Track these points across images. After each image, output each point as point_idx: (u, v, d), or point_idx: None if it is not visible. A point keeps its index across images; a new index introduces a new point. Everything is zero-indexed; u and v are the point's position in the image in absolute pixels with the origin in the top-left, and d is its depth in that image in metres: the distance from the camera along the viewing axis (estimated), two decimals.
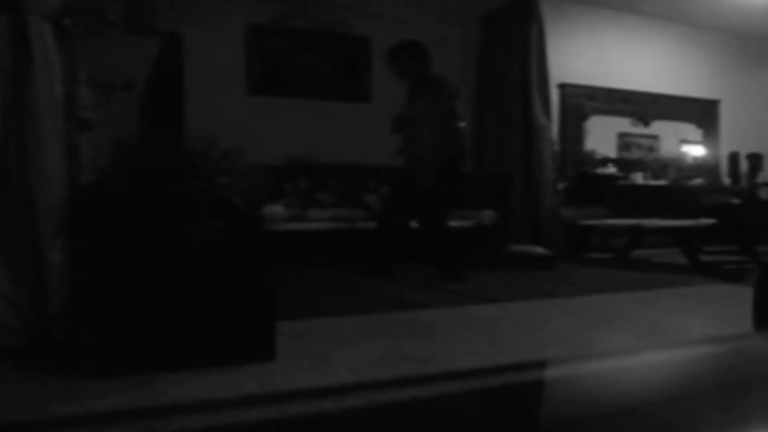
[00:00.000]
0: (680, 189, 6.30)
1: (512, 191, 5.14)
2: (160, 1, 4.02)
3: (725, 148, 6.99)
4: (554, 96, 5.66)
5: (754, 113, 7.10)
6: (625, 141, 6.74)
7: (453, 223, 4.61)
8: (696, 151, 7.04)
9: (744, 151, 6.81)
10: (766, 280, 2.23)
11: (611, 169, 6.23)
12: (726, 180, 6.90)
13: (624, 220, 5.05)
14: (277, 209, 4.14)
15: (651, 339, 2.29)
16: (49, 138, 1.99)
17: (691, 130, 7.02)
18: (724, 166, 7.01)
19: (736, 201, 5.63)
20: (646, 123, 6.73)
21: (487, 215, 4.72)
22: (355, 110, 5.31)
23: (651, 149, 6.83)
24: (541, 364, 1.96)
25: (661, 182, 6.44)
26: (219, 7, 4.80)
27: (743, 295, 2.36)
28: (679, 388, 1.78)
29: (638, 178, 6.39)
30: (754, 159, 6.74)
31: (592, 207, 5.44)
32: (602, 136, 6.46)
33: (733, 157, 6.85)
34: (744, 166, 6.80)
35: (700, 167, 6.90)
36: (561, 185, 5.41)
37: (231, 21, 4.90)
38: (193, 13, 4.54)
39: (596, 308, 2.90)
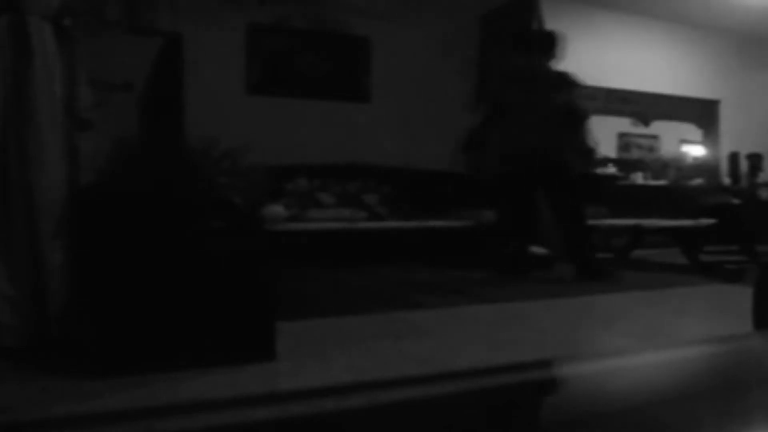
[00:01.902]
0: (680, 189, 6.30)
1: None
2: (160, 1, 4.02)
3: (725, 148, 6.99)
4: None
5: (754, 113, 7.10)
6: (625, 141, 6.74)
7: (453, 224, 4.62)
8: (696, 151, 7.04)
9: (744, 151, 6.81)
10: (766, 280, 2.23)
11: (611, 169, 6.23)
12: (726, 180, 6.91)
13: (624, 220, 5.05)
14: (277, 209, 4.14)
15: (651, 339, 2.29)
16: (49, 138, 1.99)
17: (691, 130, 7.02)
18: (724, 166, 7.01)
19: (736, 201, 5.63)
20: (646, 123, 6.73)
21: (487, 215, 4.72)
22: (355, 110, 5.31)
23: (651, 149, 6.83)
24: (541, 364, 1.96)
25: (661, 182, 6.45)
26: (219, 7, 4.80)
27: (743, 295, 2.36)
28: (679, 388, 1.78)
29: (638, 178, 6.39)
30: (754, 159, 6.73)
31: (592, 207, 5.43)
32: (602, 136, 6.45)
33: (733, 157, 6.85)
34: (744, 166, 6.80)
35: (700, 167, 6.90)
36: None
37: (231, 21, 4.90)
38: (193, 13, 4.54)
39: (596, 308, 2.90)
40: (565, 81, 3.76)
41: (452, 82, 5.58)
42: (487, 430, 1.44)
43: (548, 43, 3.82)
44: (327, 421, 1.46)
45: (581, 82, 3.80)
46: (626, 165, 6.47)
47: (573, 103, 3.76)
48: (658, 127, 6.81)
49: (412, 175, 5.11)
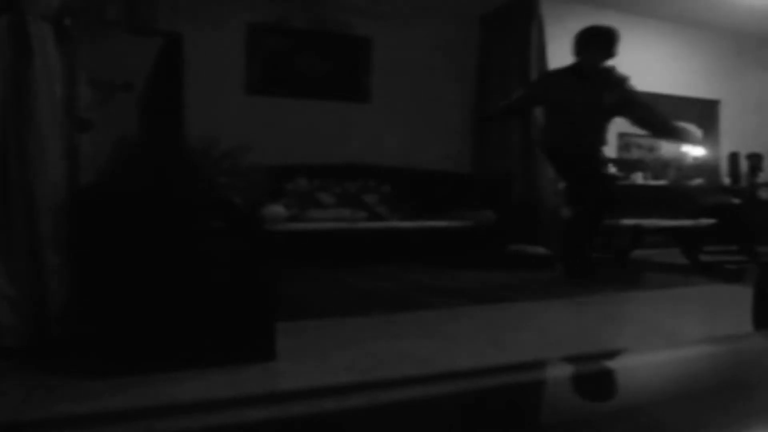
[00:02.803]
0: (680, 189, 6.30)
1: (512, 191, 5.14)
2: (160, 1, 4.02)
3: (725, 148, 6.99)
4: None
5: (754, 113, 7.09)
6: (625, 141, 6.73)
7: (453, 224, 4.62)
8: (696, 151, 7.04)
9: (744, 151, 6.81)
10: (766, 280, 2.23)
11: (611, 169, 6.23)
12: (726, 180, 6.90)
13: (624, 220, 5.05)
14: (277, 209, 4.14)
15: (651, 339, 2.29)
16: (49, 138, 1.99)
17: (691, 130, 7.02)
18: (724, 166, 7.01)
19: (736, 201, 5.63)
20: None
21: (487, 215, 4.72)
22: (355, 110, 5.31)
23: (651, 149, 6.83)
24: (541, 364, 1.96)
25: (661, 182, 6.44)
26: (219, 7, 4.80)
27: (743, 295, 2.36)
28: (679, 388, 1.78)
29: (638, 178, 6.38)
30: (754, 159, 6.73)
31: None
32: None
33: (733, 157, 6.85)
34: (744, 166, 6.80)
35: (700, 167, 6.90)
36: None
37: (231, 21, 4.90)
38: (193, 13, 4.54)
39: (596, 308, 2.90)
40: (616, 78, 3.79)
41: (452, 82, 5.58)
42: (487, 430, 1.44)
43: (607, 41, 3.82)
44: (327, 421, 1.46)
45: (627, 77, 3.83)
46: (626, 165, 6.47)
47: (626, 97, 3.80)
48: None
49: (412, 175, 5.11)
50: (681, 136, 4.04)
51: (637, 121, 3.97)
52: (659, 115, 3.92)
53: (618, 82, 3.81)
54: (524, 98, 4.16)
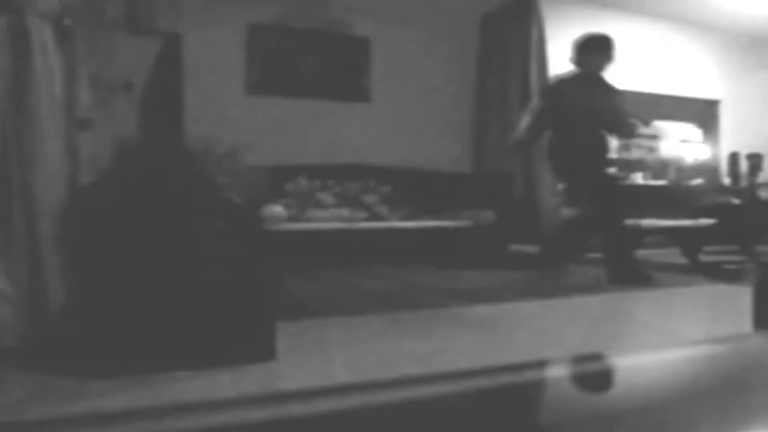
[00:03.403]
0: (680, 189, 6.30)
1: (512, 191, 5.14)
2: (160, 1, 4.02)
3: (725, 148, 7.00)
4: None
5: (754, 113, 7.10)
6: (625, 141, 6.74)
7: (453, 224, 4.63)
8: (696, 151, 7.04)
9: (744, 151, 6.81)
10: (766, 280, 2.23)
11: (611, 169, 6.23)
12: (726, 180, 6.91)
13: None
14: (277, 209, 4.14)
15: (651, 339, 2.29)
16: (49, 138, 1.99)
17: (691, 130, 7.02)
18: (724, 166, 7.02)
19: (736, 201, 5.64)
20: (646, 123, 6.73)
21: (487, 215, 4.72)
22: (355, 110, 5.32)
23: (651, 149, 6.83)
24: (541, 364, 1.96)
25: (661, 182, 6.45)
26: (219, 7, 4.80)
27: (743, 295, 2.36)
28: (679, 388, 1.78)
29: (638, 178, 6.39)
30: (754, 159, 6.73)
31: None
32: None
33: (733, 157, 6.86)
34: (744, 166, 6.80)
35: (700, 167, 6.90)
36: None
37: (231, 21, 4.91)
38: (193, 13, 4.54)
39: (596, 308, 2.90)
40: (608, 85, 3.80)
41: (452, 82, 5.59)
42: (487, 430, 1.44)
43: (607, 47, 3.81)
44: (327, 421, 1.46)
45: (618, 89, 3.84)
46: (626, 165, 6.47)
47: (613, 103, 3.81)
48: (658, 127, 6.81)
49: (412, 175, 5.11)
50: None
51: (611, 129, 3.96)
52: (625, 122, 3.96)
53: (610, 89, 3.82)
54: (541, 110, 4.15)
